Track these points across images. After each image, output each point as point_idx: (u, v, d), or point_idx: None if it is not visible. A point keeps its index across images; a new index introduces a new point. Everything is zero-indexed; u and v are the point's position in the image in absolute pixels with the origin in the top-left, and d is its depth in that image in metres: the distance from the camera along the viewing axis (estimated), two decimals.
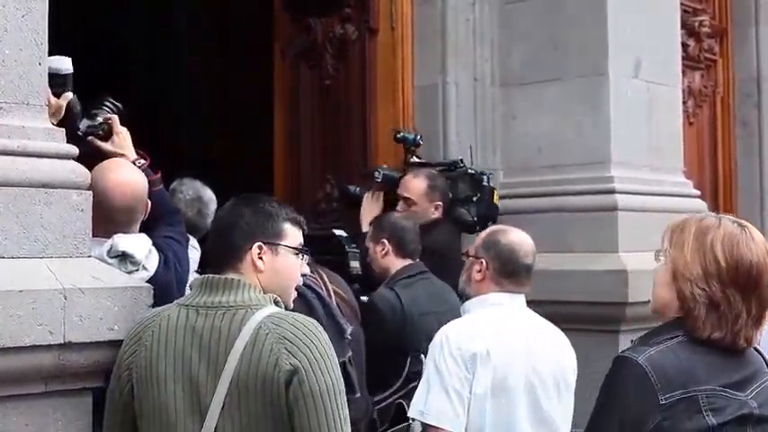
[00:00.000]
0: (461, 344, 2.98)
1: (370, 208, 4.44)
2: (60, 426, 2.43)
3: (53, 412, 2.42)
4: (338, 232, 4.11)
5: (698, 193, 5.35)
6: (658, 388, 1.99)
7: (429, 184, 4.34)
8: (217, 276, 2.38)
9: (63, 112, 2.94)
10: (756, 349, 2.18)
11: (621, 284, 4.46)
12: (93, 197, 2.64)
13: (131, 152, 3.10)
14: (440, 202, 4.34)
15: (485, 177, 4.50)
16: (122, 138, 3.11)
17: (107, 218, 2.82)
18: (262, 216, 2.44)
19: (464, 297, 3.28)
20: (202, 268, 2.64)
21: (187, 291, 3.19)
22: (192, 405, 2.28)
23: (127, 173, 2.94)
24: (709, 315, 2.06)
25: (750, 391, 2.09)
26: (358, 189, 4.55)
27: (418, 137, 4.60)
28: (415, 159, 4.58)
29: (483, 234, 3.34)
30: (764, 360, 2.19)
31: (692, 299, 2.07)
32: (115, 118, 3.11)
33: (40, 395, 2.40)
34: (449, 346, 2.99)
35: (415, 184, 4.36)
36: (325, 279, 3.27)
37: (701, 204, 5.28)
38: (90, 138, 3.07)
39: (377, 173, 4.49)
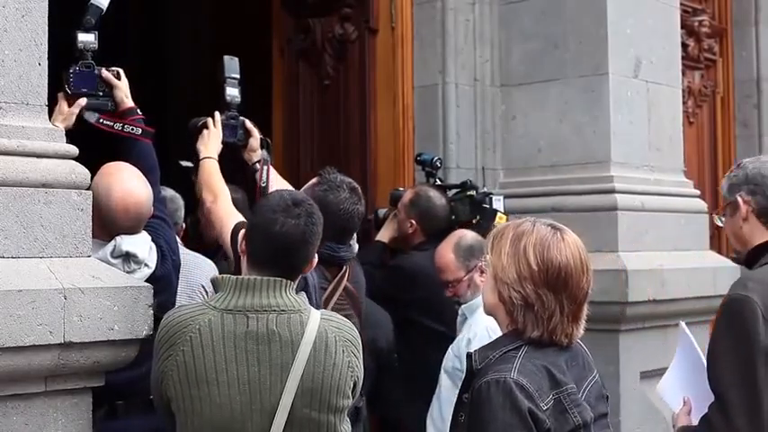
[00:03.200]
0: None
1: (388, 223, 4.47)
2: (60, 425, 2.43)
3: (53, 412, 2.42)
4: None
5: (698, 192, 5.35)
6: (537, 396, 2.09)
7: (411, 198, 4.30)
8: (254, 278, 2.40)
9: (74, 119, 2.96)
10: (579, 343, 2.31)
11: (621, 284, 4.47)
12: (97, 210, 2.64)
13: (130, 101, 3.16)
14: (413, 221, 4.26)
15: (488, 200, 4.38)
16: (120, 89, 3.15)
17: (110, 230, 2.83)
18: (321, 226, 2.54)
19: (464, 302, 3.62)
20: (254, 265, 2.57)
21: (195, 288, 3.23)
22: (253, 406, 2.32)
23: (130, 189, 2.90)
24: (527, 315, 2.18)
25: (583, 391, 2.21)
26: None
27: (435, 159, 4.57)
28: (437, 182, 4.56)
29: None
30: (586, 352, 2.32)
31: (509, 301, 2.20)
32: (105, 73, 3.12)
33: (40, 395, 2.40)
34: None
35: (403, 196, 4.37)
36: (345, 274, 3.40)
37: (701, 204, 5.28)
38: (102, 122, 3.08)
39: (389, 194, 4.56)
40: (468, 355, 2.23)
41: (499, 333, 2.38)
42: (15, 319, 2.27)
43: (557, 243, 2.21)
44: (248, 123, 3.67)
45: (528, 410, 2.06)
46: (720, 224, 2.97)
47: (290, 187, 3.70)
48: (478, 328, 3.37)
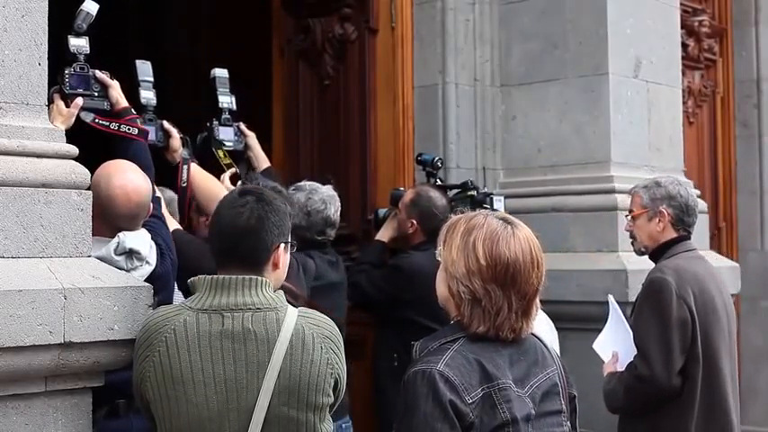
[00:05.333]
0: None
1: (389, 222, 4.49)
2: (60, 425, 2.43)
3: (53, 412, 2.42)
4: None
5: (698, 192, 5.34)
6: (463, 389, 2.08)
7: (412, 198, 4.32)
8: (229, 277, 2.39)
9: (74, 119, 2.97)
10: (535, 335, 2.31)
11: (621, 284, 4.47)
12: (98, 203, 2.65)
13: (124, 101, 3.18)
14: (414, 221, 4.29)
15: (489, 200, 4.40)
16: (115, 88, 3.16)
17: (111, 223, 2.84)
18: (282, 215, 2.48)
19: None
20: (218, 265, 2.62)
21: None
22: (230, 405, 2.31)
23: (130, 178, 2.92)
24: (474, 310, 2.18)
25: (528, 386, 2.19)
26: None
27: (436, 159, 4.58)
28: (438, 182, 4.56)
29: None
30: (543, 344, 2.31)
31: (458, 295, 2.19)
32: (100, 74, 3.15)
33: (40, 395, 2.40)
34: None
35: (404, 196, 4.39)
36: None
37: (701, 204, 5.28)
38: (98, 122, 3.10)
39: (389, 193, 4.58)
40: (412, 345, 2.25)
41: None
42: (15, 319, 2.27)
43: (506, 238, 2.20)
44: (166, 124, 3.73)
45: (449, 402, 2.05)
46: (630, 225, 3.77)
47: (218, 183, 3.78)
48: None
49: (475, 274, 2.17)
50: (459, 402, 2.06)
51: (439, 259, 2.27)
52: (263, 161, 4.20)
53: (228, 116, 4.03)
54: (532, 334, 2.29)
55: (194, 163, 3.81)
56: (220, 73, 4.04)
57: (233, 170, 4.10)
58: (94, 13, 3.09)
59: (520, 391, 2.16)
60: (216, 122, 3.98)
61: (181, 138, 3.72)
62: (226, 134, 4.00)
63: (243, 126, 4.11)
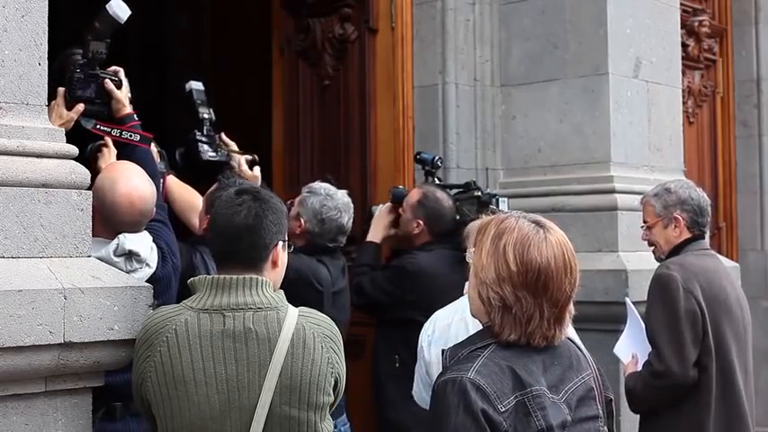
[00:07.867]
0: None
1: (378, 222, 4.47)
2: (60, 425, 2.43)
3: (53, 412, 2.42)
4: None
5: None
6: (495, 397, 2.02)
7: (419, 199, 4.31)
8: (230, 277, 2.39)
9: (72, 123, 2.98)
10: (570, 339, 2.24)
11: (621, 284, 4.47)
12: (101, 207, 2.64)
13: (128, 108, 3.19)
14: (421, 221, 4.28)
15: (494, 200, 4.39)
16: (119, 101, 3.17)
17: (113, 227, 2.84)
18: (279, 213, 2.48)
19: None
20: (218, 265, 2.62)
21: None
22: (231, 404, 2.32)
23: (135, 185, 2.91)
24: (505, 317, 2.10)
25: (563, 392, 2.12)
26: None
27: (436, 158, 4.57)
28: (436, 181, 4.56)
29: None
30: (577, 347, 2.24)
31: (488, 302, 2.11)
32: (109, 85, 3.14)
33: (40, 395, 2.40)
34: None
35: (410, 195, 4.37)
36: None
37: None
38: (100, 128, 3.11)
39: (390, 191, 4.55)
40: (443, 352, 2.18)
41: None
42: (15, 319, 2.27)
43: (538, 243, 2.10)
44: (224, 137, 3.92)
45: (481, 411, 1.98)
46: (647, 234, 3.85)
47: (194, 193, 3.80)
48: None
49: (505, 281, 2.08)
50: (491, 411, 1.99)
51: (469, 262, 2.21)
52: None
53: (210, 126, 4.02)
54: (567, 338, 2.22)
55: (171, 175, 3.82)
56: (196, 86, 4.05)
57: (248, 157, 4.09)
58: (123, 21, 3.03)
59: (555, 398, 2.08)
60: (198, 134, 3.96)
61: (158, 151, 3.67)
62: (210, 145, 3.98)
63: (224, 137, 4.09)
